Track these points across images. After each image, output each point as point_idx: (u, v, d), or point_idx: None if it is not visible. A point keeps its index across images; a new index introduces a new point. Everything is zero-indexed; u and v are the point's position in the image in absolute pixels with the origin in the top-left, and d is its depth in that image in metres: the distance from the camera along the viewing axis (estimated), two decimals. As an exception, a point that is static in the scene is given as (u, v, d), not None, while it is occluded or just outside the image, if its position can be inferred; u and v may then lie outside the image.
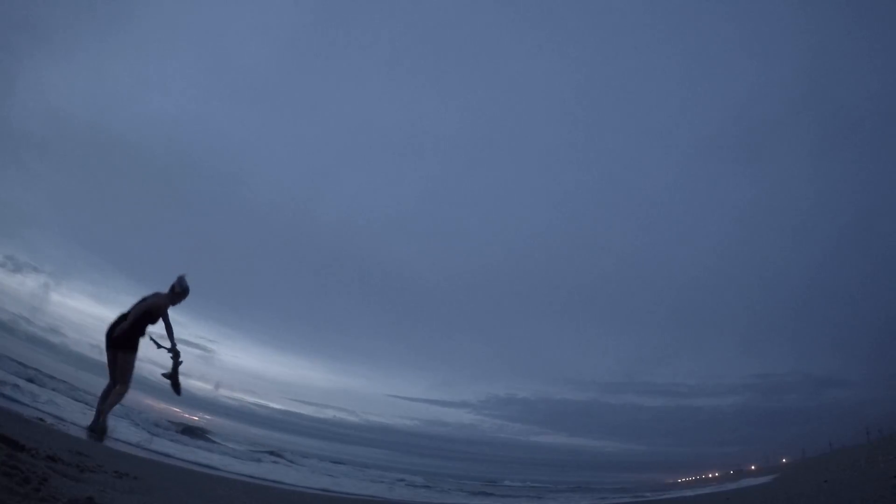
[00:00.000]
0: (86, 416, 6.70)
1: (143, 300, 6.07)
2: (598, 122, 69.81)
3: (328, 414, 53.28)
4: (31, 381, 11.72)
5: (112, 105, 53.75)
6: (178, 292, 6.19)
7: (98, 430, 5.78)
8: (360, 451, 36.38)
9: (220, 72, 63.63)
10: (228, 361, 51.49)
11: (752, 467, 41.08)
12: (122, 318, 5.94)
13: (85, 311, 44.52)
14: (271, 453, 15.51)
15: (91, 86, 52.65)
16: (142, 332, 5.99)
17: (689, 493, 18.88)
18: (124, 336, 5.84)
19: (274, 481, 7.16)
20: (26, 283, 40.26)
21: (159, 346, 6.05)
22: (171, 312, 6.22)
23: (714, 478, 39.15)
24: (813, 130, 60.95)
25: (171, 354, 6.09)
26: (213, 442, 12.96)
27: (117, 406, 6.13)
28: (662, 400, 56.36)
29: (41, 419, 5.48)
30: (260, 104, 65.68)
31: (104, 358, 5.98)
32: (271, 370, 56.69)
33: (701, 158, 66.76)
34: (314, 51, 65.45)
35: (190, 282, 6.22)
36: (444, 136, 67.80)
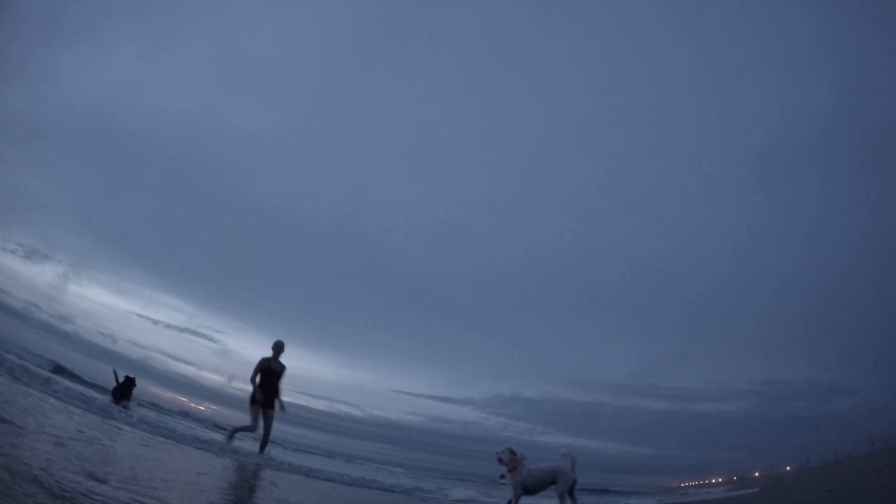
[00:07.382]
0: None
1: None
2: (617, 130, 69.27)
3: (334, 408, 53.57)
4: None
5: (125, 96, 53.97)
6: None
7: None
8: (365, 445, 36.60)
9: (231, 66, 63.86)
10: (235, 352, 51.88)
11: (756, 474, 40.88)
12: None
13: (101, 301, 44.90)
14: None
15: (104, 76, 52.94)
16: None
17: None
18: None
19: None
20: (39, 272, 40.74)
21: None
22: None
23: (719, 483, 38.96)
24: (832, 148, 60.16)
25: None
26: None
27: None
28: (668, 403, 55.97)
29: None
30: (271, 100, 65.66)
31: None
32: (277, 362, 56.75)
33: (716, 169, 66.22)
34: (336, 48, 65.42)
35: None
36: (463, 140, 67.70)
